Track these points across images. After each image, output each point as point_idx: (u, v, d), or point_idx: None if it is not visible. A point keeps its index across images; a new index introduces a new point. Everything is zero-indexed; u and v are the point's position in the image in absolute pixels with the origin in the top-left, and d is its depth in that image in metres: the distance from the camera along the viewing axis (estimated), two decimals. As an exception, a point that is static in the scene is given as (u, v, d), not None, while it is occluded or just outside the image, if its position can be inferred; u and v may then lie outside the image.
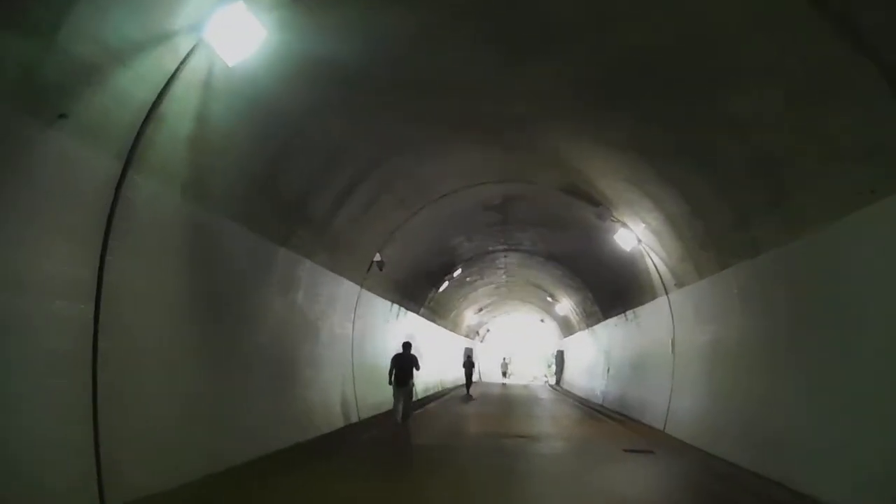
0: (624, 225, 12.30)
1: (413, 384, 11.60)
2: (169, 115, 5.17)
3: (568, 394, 27.45)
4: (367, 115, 8.21)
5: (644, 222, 11.42)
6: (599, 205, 12.23)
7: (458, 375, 32.45)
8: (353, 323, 12.61)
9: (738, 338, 8.83)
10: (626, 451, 9.35)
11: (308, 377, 9.69)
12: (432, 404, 18.47)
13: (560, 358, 37.30)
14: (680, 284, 11.39)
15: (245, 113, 6.32)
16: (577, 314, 25.48)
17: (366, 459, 8.25)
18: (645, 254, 12.56)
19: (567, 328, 30.75)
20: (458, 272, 20.36)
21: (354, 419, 12.07)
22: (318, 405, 9.98)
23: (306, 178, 8.22)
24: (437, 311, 23.94)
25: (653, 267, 12.57)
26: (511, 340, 49.27)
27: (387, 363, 15.78)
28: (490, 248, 19.70)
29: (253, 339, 7.73)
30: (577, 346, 28.56)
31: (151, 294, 5.57)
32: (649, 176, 9.64)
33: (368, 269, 12.75)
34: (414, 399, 12.62)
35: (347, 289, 11.91)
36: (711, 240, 9.14)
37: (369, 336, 14.31)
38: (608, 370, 19.99)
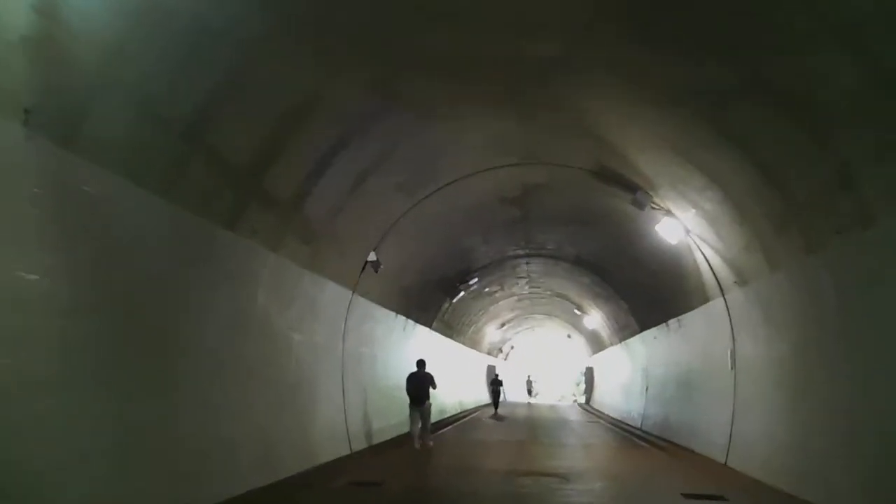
0: (668, 213, 10.13)
1: (430, 404, 11.12)
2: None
3: (600, 415, 25.01)
4: (346, 55, 6.26)
5: (694, 207, 9.24)
6: (637, 189, 10.09)
7: (480, 396, 30.40)
8: (344, 336, 10.59)
9: (837, 347, 6.56)
10: (686, 496, 7.09)
11: (272, 402, 7.66)
12: (448, 429, 16.31)
13: (589, 376, 34.86)
14: (742, 282, 9.15)
15: (150, 21, 4.41)
16: (608, 327, 23.12)
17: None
18: (694, 247, 10.35)
19: (596, 343, 28.35)
20: (474, 280, 18.27)
21: (344, 451, 10.00)
22: (287, 438, 7.93)
23: (258, 136, 6.27)
24: (453, 326, 21.83)
25: (704, 263, 10.35)
26: (536, 358, 46.85)
27: (391, 383, 13.93)
28: (510, 253, 17.58)
29: (178, 354, 5.74)
30: (609, 363, 26.14)
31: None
32: (706, 139, 7.50)
33: (362, 271, 10.76)
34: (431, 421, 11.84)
35: (334, 294, 9.91)
36: (793, 215, 6.93)
37: (367, 352, 12.26)
38: (646, 389, 17.61)
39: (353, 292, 10.72)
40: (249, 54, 5.47)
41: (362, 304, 11.41)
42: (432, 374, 11.50)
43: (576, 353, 39.48)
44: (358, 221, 9.61)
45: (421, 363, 11.46)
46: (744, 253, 8.71)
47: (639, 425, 17.48)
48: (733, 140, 7.14)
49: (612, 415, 23.33)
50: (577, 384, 46.78)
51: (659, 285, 13.71)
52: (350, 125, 7.51)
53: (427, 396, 10.99)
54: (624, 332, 20.54)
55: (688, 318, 12.74)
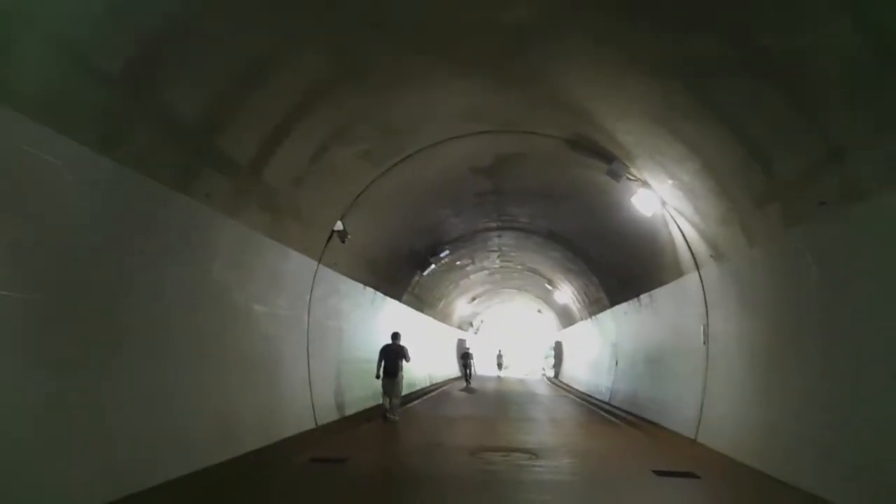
0: (644, 184, 9.86)
1: (402, 377, 11.27)
2: None
3: (568, 389, 25.15)
4: (308, 17, 5.75)
5: (672, 178, 8.98)
6: (614, 159, 9.79)
7: (450, 370, 30.33)
8: (310, 307, 10.17)
9: (817, 326, 6.37)
10: (658, 473, 6.94)
11: (231, 378, 7.24)
12: (417, 403, 16.10)
13: (558, 350, 35.08)
14: (718, 256, 8.97)
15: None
16: (578, 302, 23.09)
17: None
18: (670, 220, 10.14)
19: (567, 318, 28.41)
20: (445, 253, 17.92)
21: (309, 425, 9.66)
22: (248, 413, 7.54)
23: (210, 94, 5.73)
24: (424, 299, 21.53)
25: (679, 236, 10.16)
26: (506, 332, 47.04)
27: (359, 356, 13.61)
28: (481, 226, 17.24)
29: (128, 324, 5.28)
30: (578, 338, 26.22)
31: None
32: (688, 109, 7.18)
33: (328, 242, 10.30)
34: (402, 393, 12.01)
35: (298, 264, 9.46)
36: (776, 189, 6.69)
37: (334, 324, 11.87)
38: (616, 364, 17.62)
39: (319, 263, 10.27)
40: (194, 4, 4.92)
41: (329, 275, 10.98)
42: (406, 347, 11.53)
43: (545, 327, 39.68)
44: (323, 190, 9.12)
45: (395, 335, 11.44)
46: (721, 226, 8.51)
47: (607, 400, 17.52)
48: (717, 111, 6.83)
49: (580, 389, 23.45)
50: (546, 358, 47.18)
51: (632, 260, 13.57)
52: (311, 91, 7.00)
53: (399, 369, 11.06)
54: (594, 306, 20.51)
55: (660, 293, 12.62)
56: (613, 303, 17.32)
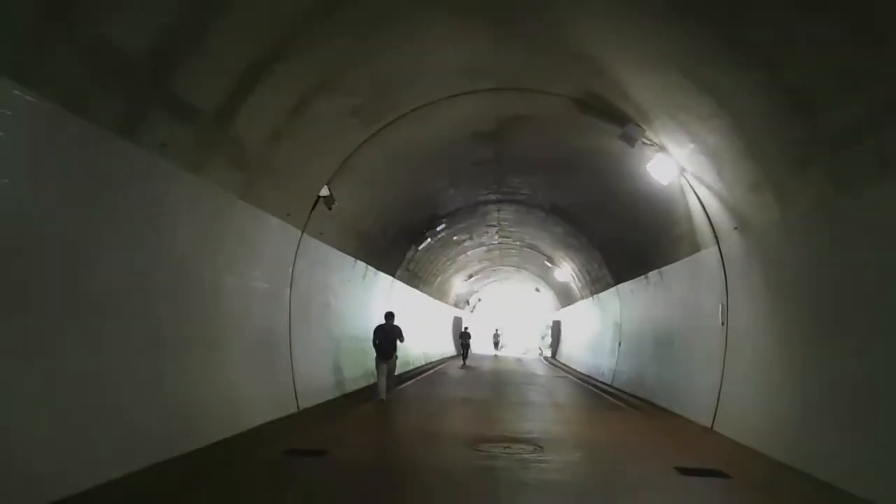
0: (661, 149, 8.95)
1: (396, 357, 11.08)
2: None
3: (567, 369, 24.46)
4: None
5: (694, 140, 8.05)
6: (628, 122, 8.85)
7: (445, 349, 29.66)
8: (292, 281, 9.28)
9: (870, 309, 5.47)
10: (681, 471, 6.11)
11: (194, 359, 6.37)
12: (411, 383, 15.33)
13: (556, 329, 34.38)
14: (744, 228, 8.08)
15: None
16: (579, 280, 22.26)
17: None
18: (688, 189, 9.23)
19: (566, 297, 27.62)
20: (441, 227, 17.01)
21: (290, 410, 8.84)
22: (215, 399, 6.68)
23: (157, 24, 4.74)
24: (419, 276, 20.68)
25: (698, 207, 9.26)
26: (503, 311, 46.33)
27: (349, 334, 12.80)
28: (480, 198, 16.32)
29: (46, 315, 4.37)
30: (578, 317, 25.48)
31: None
32: (718, 55, 6.23)
33: (313, 209, 9.38)
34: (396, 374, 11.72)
35: (278, 232, 8.56)
36: (823, 147, 5.76)
37: (320, 300, 11.01)
38: (619, 345, 16.84)
39: (303, 232, 9.36)
40: None
41: (314, 246, 10.08)
42: (400, 326, 11.22)
43: (543, 306, 38.97)
44: (305, 150, 8.17)
45: (389, 315, 11.21)
46: (749, 194, 7.59)
47: (609, 381, 16.79)
48: (753, 52, 5.88)
49: (579, 369, 22.75)
50: (543, 337, 46.58)
51: (641, 235, 12.68)
52: (285, 33, 6.02)
53: (394, 349, 10.88)
54: (596, 285, 19.69)
55: (671, 269, 11.76)
56: (618, 281, 16.48)
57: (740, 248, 8.37)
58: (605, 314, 19.40)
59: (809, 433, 6.23)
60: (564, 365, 26.97)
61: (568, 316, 29.33)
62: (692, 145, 8.18)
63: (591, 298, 21.45)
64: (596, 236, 16.33)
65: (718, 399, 8.86)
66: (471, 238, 21.72)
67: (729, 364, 8.77)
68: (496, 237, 22.35)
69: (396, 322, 11.24)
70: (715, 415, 8.84)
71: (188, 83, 5.38)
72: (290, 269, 9.25)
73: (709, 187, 8.57)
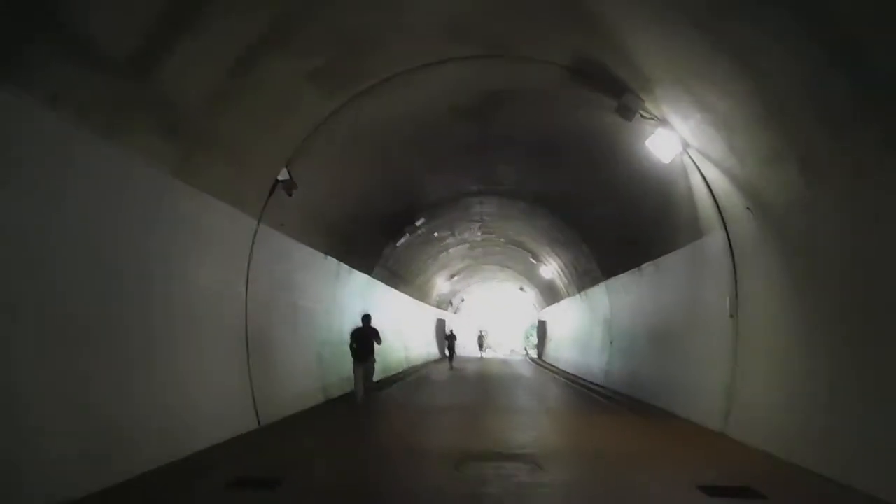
0: (662, 122, 8.00)
1: (375, 360, 10.53)
2: None
3: (554, 370, 23.51)
4: None
5: (703, 109, 7.09)
6: (625, 91, 7.89)
7: (428, 351, 28.59)
8: (249, 277, 8.17)
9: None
10: (705, 490, 5.11)
11: (113, 373, 5.24)
12: (391, 390, 14.23)
13: (542, 329, 33.47)
14: (760, 207, 7.14)
15: None
16: (566, 277, 21.32)
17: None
18: (691, 167, 8.30)
19: (551, 295, 26.70)
20: (421, 221, 15.94)
21: (249, 426, 7.73)
22: (142, 417, 5.54)
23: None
24: (399, 274, 19.58)
25: (702, 188, 8.34)
26: (487, 311, 45.37)
27: (321, 337, 11.75)
28: (463, 189, 15.29)
29: None
30: (564, 316, 24.56)
31: None
32: (746, 2, 5.27)
33: (270, 195, 8.28)
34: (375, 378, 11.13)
35: (228, 220, 7.45)
36: (872, 104, 4.81)
37: (285, 299, 9.90)
38: (611, 343, 15.90)
39: (259, 221, 8.25)
40: None
41: (276, 238, 8.99)
42: (378, 329, 10.68)
43: (528, 306, 38.09)
44: (256, 121, 7.06)
45: (366, 318, 10.70)
46: (767, 168, 6.65)
47: (601, 382, 15.84)
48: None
49: (567, 370, 21.81)
50: (528, 337, 45.67)
51: (635, 224, 11.75)
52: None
53: (371, 352, 10.37)
54: (583, 280, 18.76)
55: (669, 260, 10.83)
56: (608, 275, 15.54)
57: (753, 230, 7.44)
58: (593, 311, 18.48)
59: (846, 437, 5.29)
60: (551, 366, 26.04)
61: (554, 315, 28.42)
62: (699, 115, 7.22)
63: (578, 295, 20.53)
64: (585, 228, 15.37)
65: (729, 399, 7.92)
66: (453, 234, 20.69)
67: (741, 359, 7.83)
68: (479, 233, 21.35)
69: (374, 324, 10.66)
70: (727, 417, 7.89)
71: (84, 12, 4.22)
72: (246, 265, 8.13)
73: (716, 163, 7.63)
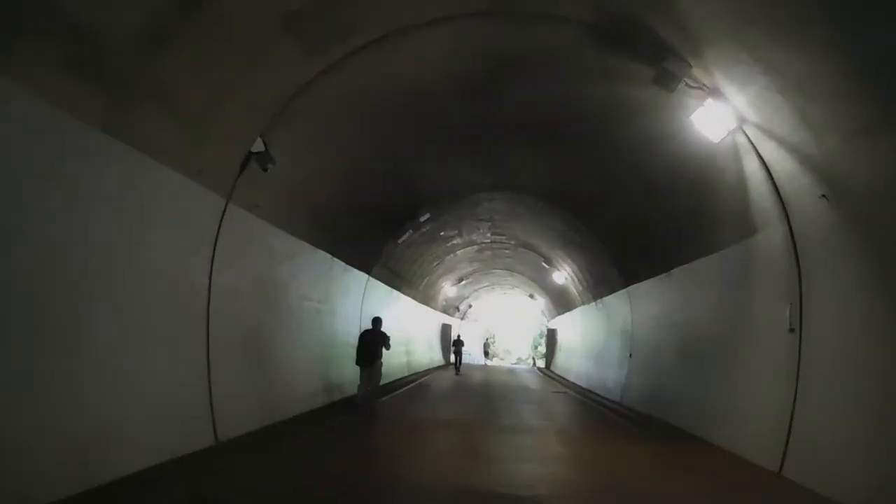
0: (713, 92, 6.62)
1: (381, 364, 10.66)
2: None
3: (564, 382, 22.04)
4: None
5: (768, 72, 5.69)
6: (667, 55, 6.53)
7: (432, 357, 27.27)
8: (213, 265, 6.85)
9: None
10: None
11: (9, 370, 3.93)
12: (388, 399, 12.85)
13: (551, 338, 31.95)
14: (841, 193, 5.73)
15: None
16: (580, 283, 19.87)
17: None
18: (746, 148, 6.92)
19: (564, 303, 25.26)
20: (425, 217, 14.59)
21: (203, 443, 6.40)
22: (45, 441, 4.21)
23: None
24: (401, 275, 18.25)
25: (758, 172, 6.96)
26: (495, 318, 43.95)
27: (304, 338, 10.51)
28: (470, 182, 13.93)
29: None
30: (577, 325, 23.09)
31: None
32: None
33: (242, 170, 6.97)
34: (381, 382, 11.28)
35: (183, 194, 6.12)
36: None
37: (262, 296, 8.57)
38: (629, 356, 14.45)
39: (229, 201, 6.94)
40: None
41: (251, 223, 7.69)
42: (388, 334, 10.83)
43: (538, 314, 36.63)
44: (218, 72, 5.74)
45: (377, 321, 10.93)
46: (856, 142, 5.25)
47: (617, 398, 14.40)
48: None
49: (578, 383, 20.34)
50: (536, 347, 44.17)
51: (664, 220, 10.37)
52: None
53: (378, 356, 10.48)
54: (600, 286, 17.31)
55: (706, 263, 9.42)
56: (629, 281, 14.10)
57: (828, 224, 6.03)
58: (611, 320, 17.02)
59: None
60: (560, 377, 24.56)
61: (565, 323, 26.95)
62: (763, 79, 5.83)
63: (593, 303, 19.08)
64: (603, 228, 13.95)
65: (789, 432, 6.48)
66: (460, 235, 19.35)
67: (805, 384, 6.41)
68: (489, 234, 19.99)
69: (383, 328, 10.78)
70: (784, 454, 6.46)
71: None
72: (211, 251, 6.81)
73: (781, 141, 6.23)
